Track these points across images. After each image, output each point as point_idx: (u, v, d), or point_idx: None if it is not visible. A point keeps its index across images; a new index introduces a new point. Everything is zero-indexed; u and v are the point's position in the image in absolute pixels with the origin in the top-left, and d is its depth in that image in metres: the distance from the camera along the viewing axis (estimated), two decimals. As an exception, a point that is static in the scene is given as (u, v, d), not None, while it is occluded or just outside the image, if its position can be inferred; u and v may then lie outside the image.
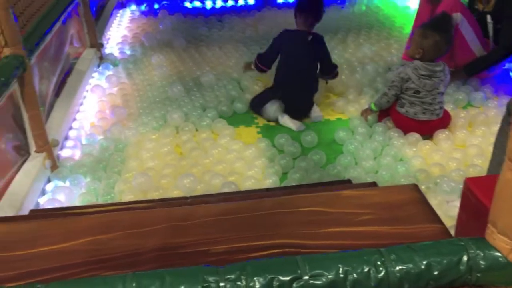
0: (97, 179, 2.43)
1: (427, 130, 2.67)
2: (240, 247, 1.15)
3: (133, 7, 4.99)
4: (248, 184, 2.31)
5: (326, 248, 1.13)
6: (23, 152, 2.36)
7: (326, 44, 3.00)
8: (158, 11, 4.80)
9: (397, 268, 0.96)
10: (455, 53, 3.09)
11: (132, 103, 3.17)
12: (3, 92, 2.02)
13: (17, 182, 2.21)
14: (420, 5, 3.43)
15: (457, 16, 3.01)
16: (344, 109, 3.03)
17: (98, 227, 1.25)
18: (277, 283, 0.93)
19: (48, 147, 2.42)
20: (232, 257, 1.12)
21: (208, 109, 3.03)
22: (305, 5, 2.94)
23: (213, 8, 4.92)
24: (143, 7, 4.97)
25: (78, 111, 3.06)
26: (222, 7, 4.94)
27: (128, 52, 3.95)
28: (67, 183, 2.38)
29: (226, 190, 2.19)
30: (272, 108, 2.92)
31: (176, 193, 2.27)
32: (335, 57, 3.70)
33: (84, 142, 2.77)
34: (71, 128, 2.87)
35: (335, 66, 3.07)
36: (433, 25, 2.63)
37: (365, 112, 2.83)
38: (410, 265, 0.96)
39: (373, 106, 2.79)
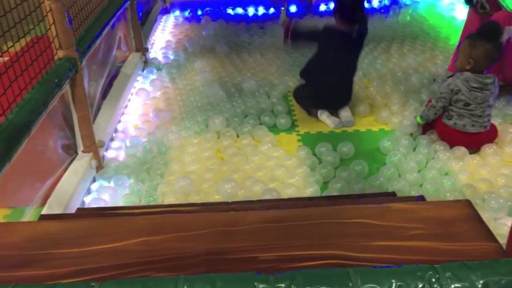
0: (141, 180, 2.48)
1: (474, 143, 2.59)
2: (289, 255, 1.15)
3: (177, 13, 5.08)
4: (289, 192, 2.30)
5: (376, 261, 1.11)
6: (71, 151, 2.43)
7: (367, 21, 2.99)
8: (201, 17, 4.88)
9: (453, 286, 0.93)
10: (505, 66, 3.00)
11: (175, 107, 3.22)
12: (56, 93, 2.09)
13: (65, 180, 2.27)
14: (469, 16, 3.35)
15: (510, 30, 2.92)
16: (387, 120, 2.98)
17: (148, 228, 1.27)
18: (328, 295, 0.92)
19: (94, 147, 2.49)
20: (281, 266, 1.12)
21: (249, 116, 3.04)
22: (344, 7, 2.91)
23: (255, 15, 4.96)
24: (186, 13, 5.06)
25: (123, 114, 3.14)
26: (264, 14, 4.97)
27: (171, 57, 4.03)
28: (112, 183, 2.43)
29: (267, 196, 2.19)
30: (322, 116, 3.01)
31: (217, 198, 2.29)
32: (378, 66, 3.67)
33: (128, 144, 2.83)
34: (116, 130, 2.94)
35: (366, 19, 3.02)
36: (481, 34, 2.55)
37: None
38: (467, 284, 0.93)
39: (418, 119, 2.74)
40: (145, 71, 3.74)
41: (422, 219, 1.26)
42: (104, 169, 2.53)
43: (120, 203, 2.33)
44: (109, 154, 2.69)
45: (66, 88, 2.29)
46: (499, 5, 3.06)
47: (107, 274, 1.11)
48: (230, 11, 5.03)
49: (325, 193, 2.33)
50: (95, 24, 2.74)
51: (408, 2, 4.95)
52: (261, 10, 5.01)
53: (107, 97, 3.05)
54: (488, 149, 2.58)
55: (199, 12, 5.02)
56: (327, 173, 2.48)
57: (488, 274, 0.94)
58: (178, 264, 1.17)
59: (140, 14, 4.08)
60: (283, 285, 0.94)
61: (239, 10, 5.03)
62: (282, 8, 3.38)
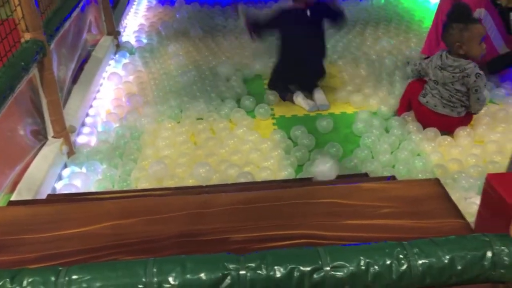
0: (114, 166, 2.44)
1: (447, 126, 2.63)
2: (260, 236, 1.15)
3: (150, -5, 4.98)
4: (263, 175, 2.30)
5: (347, 240, 1.12)
6: (40, 137, 2.37)
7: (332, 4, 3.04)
8: (175, 0, 4.79)
9: (420, 262, 0.95)
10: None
11: (148, 92, 3.17)
12: (23, 77, 2.03)
13: (34, 166, 2.22)
14: (442, -1, 3.37)
15: (481, 12, 2.95)
16: (361, 102, 3.00)
17: (118, 212, 1.25)
18: (298, 273, 0.93)
19: (65, 133, 2.44)
20: (252, 246, 1.12)
21: (226, 100, 3.02)
22: None
23: (230, -2, 4.89)
24: (160, -4, 4.96)
25: (94, 98, 3.08)
26: (239, -4, 4.90)
27: (144, 41, 3.95)
28: (84, 169, 2.39)
29: (242, 180, 2.19)
30: (297, 99, 3.01)
31: (191, 182, 2.27)
32: (352, 50, 3.67)
33: (100, 129, 2.79)
34: (87, 115, 2.89)
35: (342, 11, 3.08)
36: (452, 18, 2.58)
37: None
38: (433, 259, 0.95)
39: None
40: (117, 55, 3.67)
41: (392, 198, 1.28)
42: (76, 155, 2.48)
43: (93, 188, 2.29)
44: (81, 139, 2.64)
45: (34, 72, 2.23)
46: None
47: (75, 259, 1.09)
48: (204, -6, 4.95)
49: (299, 176, 2.34)
50: (64, 6, 2.67)
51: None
52: (236, -7, 4.94)
53: (77, 81, 2.99)
54: (462, 132, 2.62)
55: (173, -5, 4.93)
56: (302, 156, 2.49)
57: (454, 249, 0.96)
58: (148, 247, 1.16)
59: (112, -4, 3.99)
60: (253, 264, 0.94)
61: (214, -7, 4.95)
62: (239, 9, 3.47)
